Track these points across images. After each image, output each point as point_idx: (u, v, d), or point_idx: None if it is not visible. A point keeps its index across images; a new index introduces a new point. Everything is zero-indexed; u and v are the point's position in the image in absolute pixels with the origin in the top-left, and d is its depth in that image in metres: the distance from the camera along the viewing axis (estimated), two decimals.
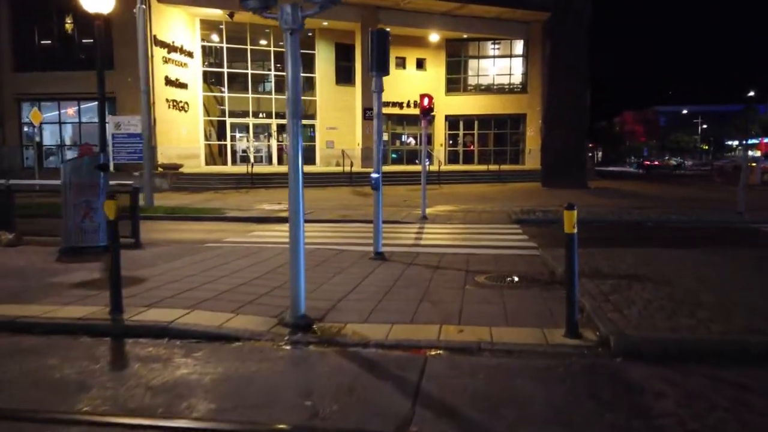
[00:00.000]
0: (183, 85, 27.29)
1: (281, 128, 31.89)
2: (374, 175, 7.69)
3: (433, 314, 4.86)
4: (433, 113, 34.82)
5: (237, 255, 7.88)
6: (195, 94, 28.68)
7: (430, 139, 34.52)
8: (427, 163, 26.61)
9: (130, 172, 23.16)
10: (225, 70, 29.76)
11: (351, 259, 7.68)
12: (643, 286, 5.44)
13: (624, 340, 3.87)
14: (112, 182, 8.91)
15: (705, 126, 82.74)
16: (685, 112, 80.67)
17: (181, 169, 24.80)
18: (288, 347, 4.10)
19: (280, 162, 31.99)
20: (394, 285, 6.08)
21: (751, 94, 60.85)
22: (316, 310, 4.91)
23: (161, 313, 4.69)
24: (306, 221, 12.73)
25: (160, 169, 24.35)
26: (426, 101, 13.22)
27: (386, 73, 7.67)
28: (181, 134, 27.30)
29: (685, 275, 6.02)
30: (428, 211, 15.39)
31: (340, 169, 25.86)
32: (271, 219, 13.44)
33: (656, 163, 66.74)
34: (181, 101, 27.10)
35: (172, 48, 26.21)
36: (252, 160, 30.63)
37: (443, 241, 10.18)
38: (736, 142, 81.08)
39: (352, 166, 24.87)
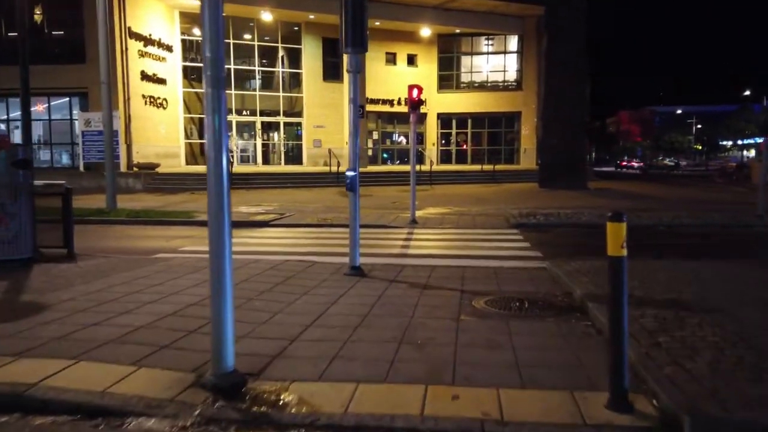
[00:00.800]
0: (161, 81, 25.82)
1: (267, 126, 30.51)
2: (349, 173, 6.35)
3: (416, 365, 3.51)
4: (423, 107, 33.73)
5: (185, 270, 6.50)
6: (174, 90, 27.22)
7: (421, 138, 33.24)
8: (418, 162, 25.33)
9: (100, 171, 21.68)
10: None
11: (322, 275, 6.33)
12: (698, 319, 4.12)
13: (703, 423, 2.54)
14: (39, 182, 7.51)
15: (699, 126, 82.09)
16: (679, 112, 79.93)
17: (158, 169, 23.34)
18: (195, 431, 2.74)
19: (265, 161, 30.60)
20: (369, 314, 4.73)
21: (747, 93, 60.06)
22: (256, 358, 3.56)
23: (31, 366, 3.31)
24: (283, 225, 11.32)
25: (135, 168, 22.91)
26: (415, 93, 11.88)
27: (363, 49, 6.33)
28: (159, 132, 25.83)
29: (743, 301, 4.73)
30: (419, 213, 14.08)
31: (326, 168, 24.50)
32: (244, 224, 12.05)
33: (633, 163, 65.78)
34: (158, 97, 25.63)
35: (148, 41, 24.73)
36: (235, 159, 29.22)
37: (434, 250, 8.85)
38: (729, 143, 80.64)
39: (339, 165, 23.49)
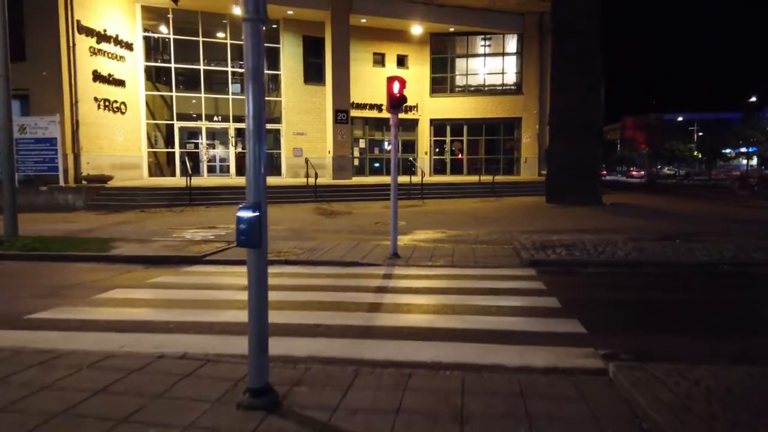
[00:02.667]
0: (119, 82, 22.91)
1: (240, 131, 27.59)
2: (245, 214, 3.35)
3: None
4: (414, 112, 30.94)
5: None
6: (135, 93, 24.30)
7: (413, 147, 30.46)
8: (405, 172, 22.56)
9: (38, 186, 18.70)
10: (173, 65, 25.42)
11: (197, 407, 3.39)
12: None
13: None
14: None
15: (701, 133, 79.78)
16: (680, 119, 77.56)
17: (114, 182, 20.40)
18: None
19: (240, 172, 27.67)
20: None
21: (753, 99, 57.65)
22: None
23: None
24: (219, 262, 8.09)
25: (84, 182, 19.93)
26: (396, 87, 9.02)
27: None
28: (116, 140, 22.88)
29: None
30: (405, 240, 11.25)
31: (304, 181, 21.61)
32: (169, 259, 9.10)
33: (633, 173, 63.04)
34: (116, 101, 22.71)
35: (102, 37, 21.84)
36: (204, 170, 26.30)
37: (417, 317, 5.93)
38: (732, 151, 78.22)
39: (317, 177, 20.64)
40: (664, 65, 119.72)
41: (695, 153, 78.51)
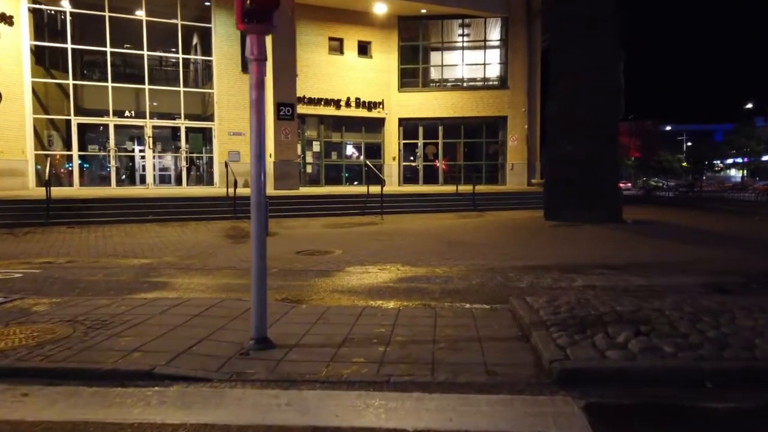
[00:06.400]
0: None
1: (162, 134, 22.30)
2: None
3: None
4: (379, 110, 25.91)
5: None
6: (16, 79, 18.92)
7: (378, 151, 25.47)
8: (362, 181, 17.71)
9: None
10: (69, 46, 20.10)
11: None
12: None
13: None
14: None
15: (690, 144, 76.47)
16: (668, 128, 74.06)
17: None
18: None
19: (161, 181, 22.38)
20: None
21: (749, 106, 54.09)
22: None
23: None
24: None
25: None
26: None
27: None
28: None
29: None
30: (319, 288, 6.14)
31: (222, 191, 16.35)
32: None
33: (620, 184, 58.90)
34: None
35: None
36: (113, 179, 20.90)
37: None
38: (719, 162, 75.12)
39: (236, 187, 15.48)
40: (650, 74, 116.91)
41: (683, 164, 75.13)
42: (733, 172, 75.83)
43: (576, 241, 11.06)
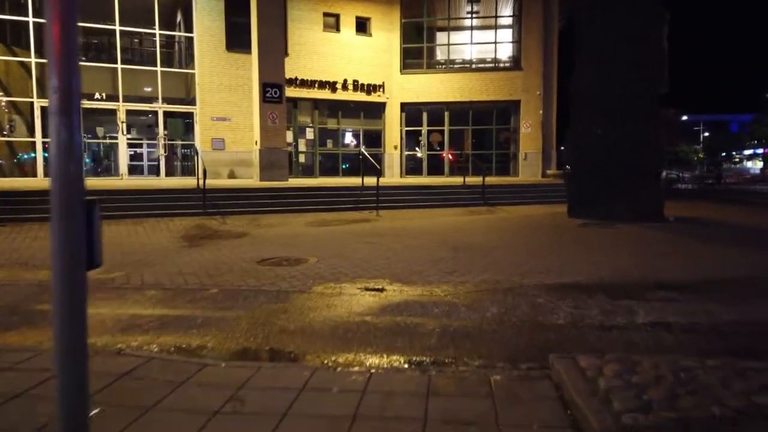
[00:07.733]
0: None
1: (136, 119, 20.24)
2: None
3: None
4: (379, 93, 23.40)
5: None
6: None
7: (378, 139, 23.29)
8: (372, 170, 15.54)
9: None
10: (30, 19, 18.01)
11: None
12: None
13: None
14: None
15: (707, 134, 73.58)
16: (685, 118, 71.10)
17: None
18: None
19: (135, 171, 20.35)
20: None
21: None
22: None
23: None
24: None
25: None
26: None
27: None
28: None
29: None
30: (282, 317, 3.73)
31: (193, 182, 14.22)
32: None
33: None
34: None
35: None
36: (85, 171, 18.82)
37: None
38: (735, 153, 72.32)
39: (206, 177, 13.35)
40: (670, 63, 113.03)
41: (700, 155, 72.36)
42: (749, 164, 73.04)
43: (614, 246, 8.85)
